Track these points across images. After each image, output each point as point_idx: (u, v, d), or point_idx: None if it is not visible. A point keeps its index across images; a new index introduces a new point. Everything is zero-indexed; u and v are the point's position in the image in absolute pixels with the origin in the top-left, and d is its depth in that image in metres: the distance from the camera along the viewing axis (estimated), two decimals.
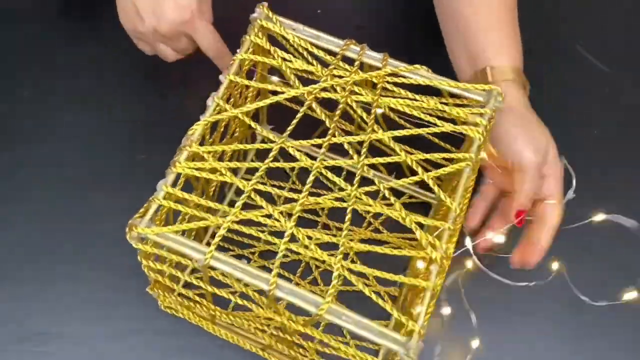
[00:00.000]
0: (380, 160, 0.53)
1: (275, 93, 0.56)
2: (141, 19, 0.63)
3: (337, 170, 0.57)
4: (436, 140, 0.63)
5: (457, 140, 0.62)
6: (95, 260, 0.70)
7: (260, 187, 0.51)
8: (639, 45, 0.86)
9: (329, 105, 0.58)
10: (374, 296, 0.48)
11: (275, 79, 0.63)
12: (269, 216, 0.49)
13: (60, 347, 0.65)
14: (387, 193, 0.50)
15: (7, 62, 0.82)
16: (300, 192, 0.50)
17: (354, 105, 0.54)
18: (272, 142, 0.53)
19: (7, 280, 0.69)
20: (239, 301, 0.64)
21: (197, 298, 0.59)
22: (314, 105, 0.54)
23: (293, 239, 0.49)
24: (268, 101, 0.54)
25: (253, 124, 0.55)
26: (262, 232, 0.51)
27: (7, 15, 0.85)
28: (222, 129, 0.60)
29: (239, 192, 0.72)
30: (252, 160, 0.73)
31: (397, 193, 0.73)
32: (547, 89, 0.80)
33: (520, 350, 0.67)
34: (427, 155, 0.53)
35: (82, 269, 0.69)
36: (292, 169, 0.72)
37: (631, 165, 0.78)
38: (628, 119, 0.81)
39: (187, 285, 0.64)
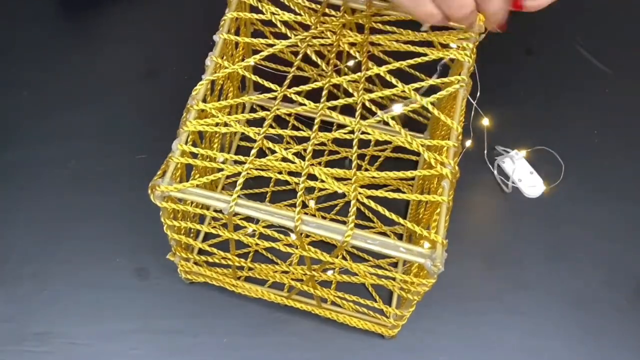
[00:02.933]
0: (379, 93, 0.54)
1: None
2: None
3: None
4: (423, 77, 0.66)
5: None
6: (95, 260, 0.70)
7: (271, 131, 0.54)
8: (639, 45, 0.86)
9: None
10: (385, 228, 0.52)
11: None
12: (284, 159, 0.52)
13: (60, 347, 0.66)
14: (391, 122, 0.53)
15: (7, 62, 0.82)
16: (303, 138, 0.54)
17: (345, 47, 0.57)
18: (274, 90, 0.55)
19: (7, 280, 0.69)
20: (260, 248, 0.69)
21: (219, 251, 0.62)
22: (308, 51, 0.56)
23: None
24: (265, 53, 0.56)
25: (248, 75, 0.57)
26: (280, 173, 0.54)
27: (7, 15, 0.85)
28: (217, 92, 0.62)
29: (239, 148, 0.76)
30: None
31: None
32: (547, 89, 0.80)
33: (520, 349, 0.67)
34: (424, 83, 0.55)
35: (81, 269, 0.69)
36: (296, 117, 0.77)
37: (632, 166, 0.78)
38: (628, 119, 0.81)
39: (202, 252, 0.67)
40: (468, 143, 0.75)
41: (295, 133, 0.55)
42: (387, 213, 0.51)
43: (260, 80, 0.56)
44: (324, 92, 0.54)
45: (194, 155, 0.54)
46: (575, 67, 0.81)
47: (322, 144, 0.73)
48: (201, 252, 0.68)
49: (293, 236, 0.51)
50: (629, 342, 0.68)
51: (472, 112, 0.71)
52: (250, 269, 0.65)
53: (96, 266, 0.70)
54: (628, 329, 0.68)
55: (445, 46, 0.57)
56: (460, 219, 0.68)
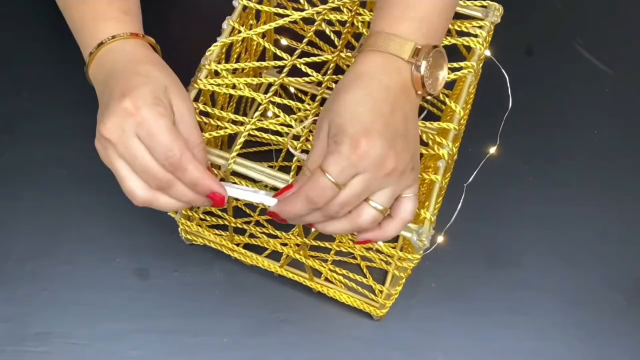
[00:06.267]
0: None
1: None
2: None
3: None
4: None
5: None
6: (95, 261, 0.70)
7: (277, 99, 0.55)
8: (639, 45, 0.86)
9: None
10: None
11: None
12: (287, 125, 0.53)
13: (60, 347, 0.66)
14: None
15: (6, 62, 0.82)
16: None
17: (359, 25, 0.58)
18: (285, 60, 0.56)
19: (7, 280, 0.69)
20: (262, 219, 0.69)
21: (221, 212, 0.62)
22: (323, 25, 0.57)
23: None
24: (281, 22, 0.57)
25: (262, 41, 0.57)
26: (281, 136, 0.54)
27: (6, 16, 0.85)
28: (234, 60, 0.62)
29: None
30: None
31: None
32: (547, 89, 0.80)
33: (520, 348, 0.67)
34: None
35: (81, 268, 0.69)
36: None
37: (631, 166, 0.78)
38: (628, 119, 0.81)
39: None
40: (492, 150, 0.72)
41: (299, 105, 0.56)
42: None
43: (273, 49, 0.57)
44: (332, 65, 0.55)
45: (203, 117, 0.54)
46: (575, 67, 0.81)
47: None
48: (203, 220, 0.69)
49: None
50: (628, 341, 0.67)
51: (502, 124, 0.69)
52: (251, 235, 0.65)
53: (96, 266, 0.70)
54: (627, 329, 0.68)
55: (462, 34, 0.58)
56: (461, 219, 0.68)
